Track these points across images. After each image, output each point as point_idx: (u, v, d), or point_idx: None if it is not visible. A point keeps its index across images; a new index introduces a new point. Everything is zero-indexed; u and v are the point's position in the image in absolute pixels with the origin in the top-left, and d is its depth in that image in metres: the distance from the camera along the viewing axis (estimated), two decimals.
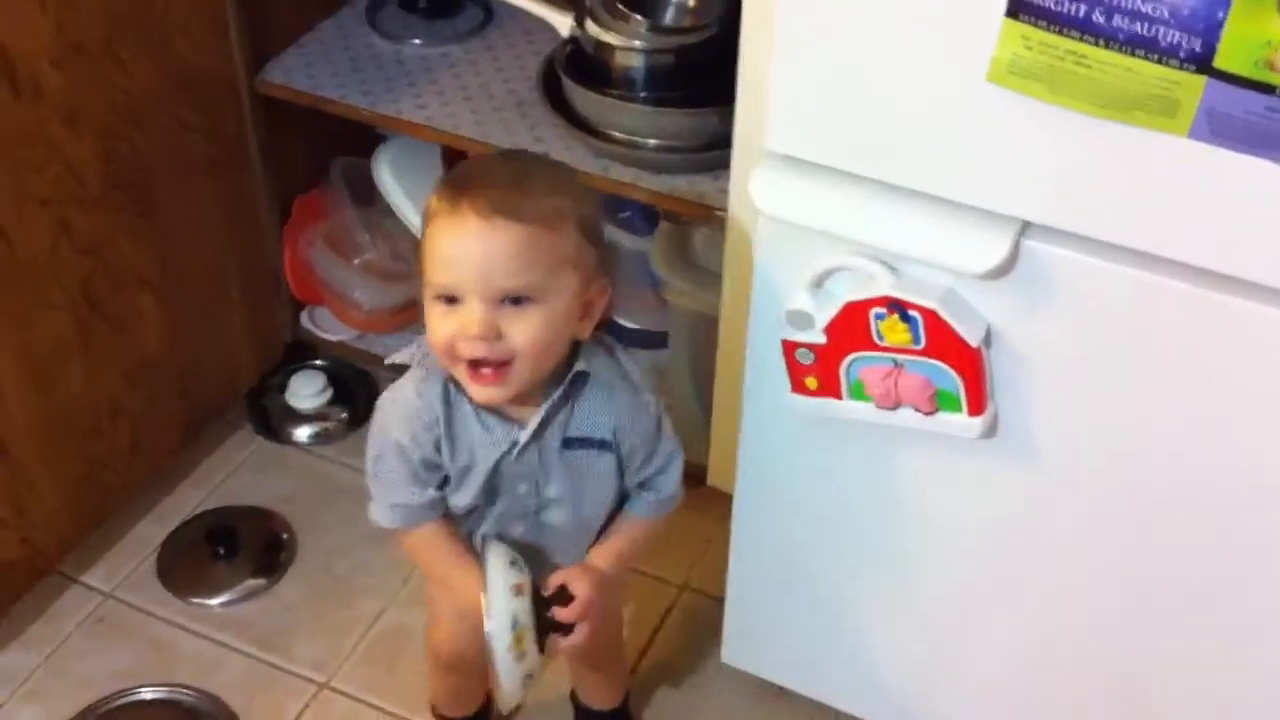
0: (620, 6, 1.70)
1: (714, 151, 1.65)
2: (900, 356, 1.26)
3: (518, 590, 1.25)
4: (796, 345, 1.30)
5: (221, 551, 1.89)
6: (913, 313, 1.21)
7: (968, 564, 1.43)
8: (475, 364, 1.18)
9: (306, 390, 2.07)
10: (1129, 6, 1.00)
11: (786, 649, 1.64)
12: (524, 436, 1.25)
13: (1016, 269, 1.19)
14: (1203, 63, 1.00)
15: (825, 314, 1.26)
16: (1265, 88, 0.99)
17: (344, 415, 2.09)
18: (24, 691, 1.75)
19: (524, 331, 1.17)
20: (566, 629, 1.29)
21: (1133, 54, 1.02)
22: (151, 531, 1.94)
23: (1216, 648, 1.35)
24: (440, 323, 1.18)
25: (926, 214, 1.19)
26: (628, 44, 1.68)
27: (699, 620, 1.83)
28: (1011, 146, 1.13)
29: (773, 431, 1.45)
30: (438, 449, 1.27)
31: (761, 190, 1.26)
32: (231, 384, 2.01)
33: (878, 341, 1.25)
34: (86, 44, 1.57)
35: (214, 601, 1.86)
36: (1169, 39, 1.00)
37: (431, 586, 1.50)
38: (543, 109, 1.78)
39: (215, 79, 1.78)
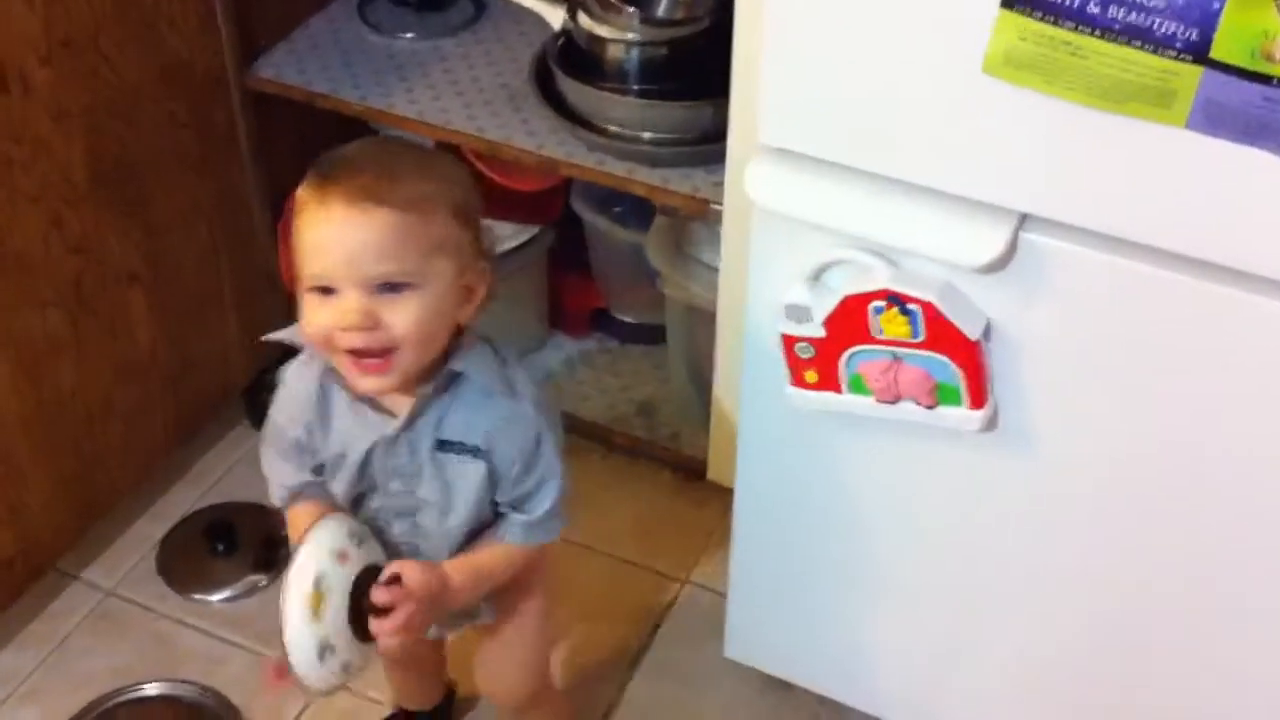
0: None
1: (708, 145, 1.64)
2: (900, 350, 1.25)
3: (340, 556, 1.20)
4: (796, 339, 1.29)
5: (221, 548, 1.89)
6: (911, 306, 1.20)
7: (968, 557, 1.42)
8: (357, 354, 1.15)
9: None
10: None
11: (789, 643, 1.63)
12: (393, 428, 1.22)
13: (1015, 261, 1.18)
14: (1199, 53, 0.99)
15: (824, 307, 1.25)
16: (1262, 78, 0.98)
17: None
18: (24, 691, 1.75)
19: (403, 318, 1.13)
20: (381, 613, 1.21)
21: (1129, 44, 1.01)
22: (150, 529, 1.93)
23: (1217, 640, 1.34)
24: (316, 313, 1.14)
25: (924, 207, 1.18)
26: (620, 36, 1.66)
27: (701, 614, 1.82)
28: (1008, 138, 1.11)
29: (772, 425, 1.44)
30: (309, 432, 1.26)
31: (757, 184, 1.25)
32: (225, 381, 2.00)
33: (877, 335, 1.24)
34: (75, 39, 1.56)
35: (214, 598, 1.85)
36: (1165, 29, 0.99)
37: None
38: (535, 102, 1.76)
39: (205, 74, 1.76)
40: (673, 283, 1.81)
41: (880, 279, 1.21)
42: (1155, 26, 0.99)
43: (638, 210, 1.93)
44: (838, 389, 1.32)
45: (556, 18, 1.73)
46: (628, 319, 2.10)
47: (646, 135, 1.68)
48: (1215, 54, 0.98)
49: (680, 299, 1.82)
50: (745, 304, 1.37)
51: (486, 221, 1.23)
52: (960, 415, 1.28)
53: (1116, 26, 1.00)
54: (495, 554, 1.29)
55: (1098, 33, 1.01)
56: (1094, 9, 1.00)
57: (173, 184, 1.76)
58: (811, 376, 1.32)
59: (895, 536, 1.45)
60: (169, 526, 1.93)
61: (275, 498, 1.31)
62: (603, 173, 1.70)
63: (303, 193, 1.15)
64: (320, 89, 1.81)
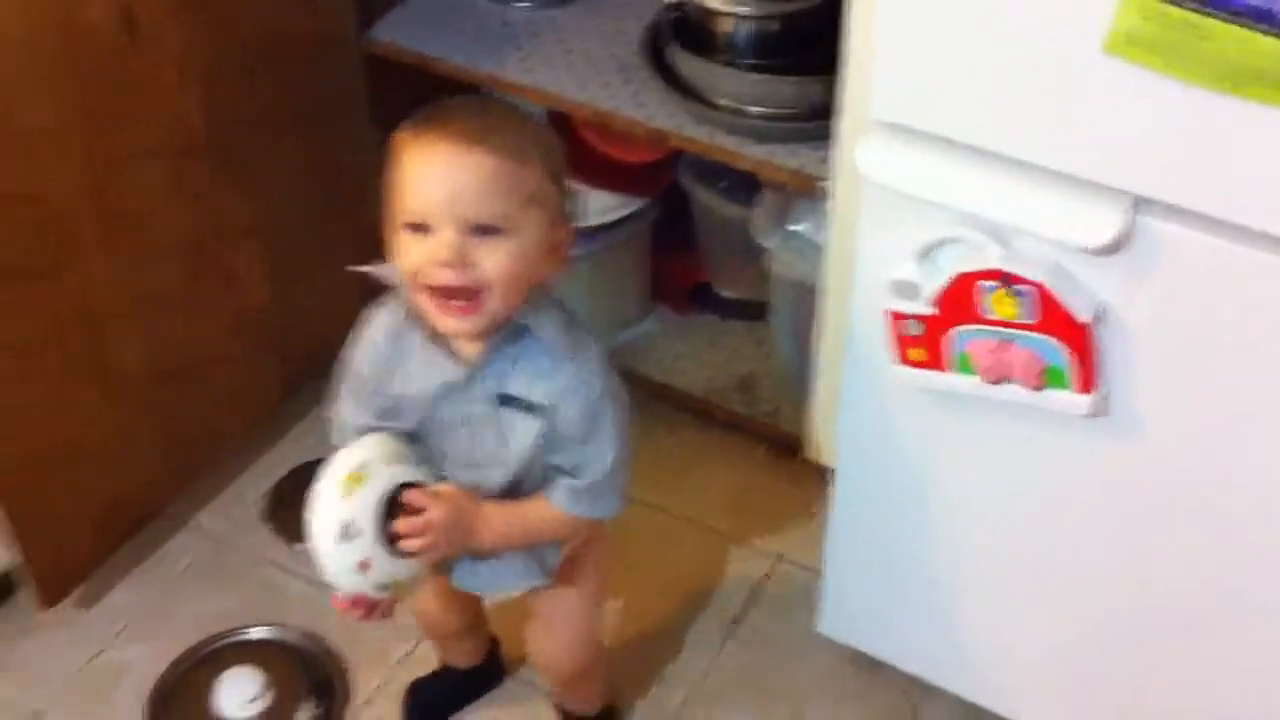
0: None
1: (817, 121, 1.63)
2: (1008, 330, 1.24)
3: (390, 457, 1.22)
4: (902, 316, 1.28)
5: None
6: (1022, 286, 1.19)
7: (1068, 541, 1.40)
8: (446, 294, 1.16)
9: None
10: None
11: (881, 622, 1.63)
12: (460, 374, 1.23)
13: (1129, 245, 1.16)
14: None
15: (933, 285, 1.24)
16: None
17: None
18: (132, 630, 1.81)
19: (494, 262, 1.15)
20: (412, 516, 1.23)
21: (1252, 28, 0.99)
22: (259, 479, 1.98)
23: None
24: (410, 250, 1.16)
25: (1038, 186, 1.17)
26: (733, 9, 1.66)
27: (793, 590, 1.83)
28: (1127, 119, 1.10)
29: (874, 404, 1.44)
30: (381, 374, 1.27)
31: (868, 159, 1.24)
32: (333, 338, 2.03)
33: (985, 315, 1.23)
34: None
35: None
36: None
37: None
38: (646, 73, 1.77)
39: (324, 36, 1.80)
40: (777, 258, 1.81)
41: (992, 258, 1.20)
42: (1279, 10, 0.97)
43: (744, 185, 1.93)
44: (943, 368, 1.31)
45: None
46: (730, 294, 2.10)
47: (755, 110, 1.68)
48: None
49: (784, 275, 1.82)
50: (852, 280, 1.37)
51: (575, 188, 1.25)
52: (1067, 399, 1.26)
53: (1240, 9, 0.98)
54: (541, 510, 1.29)
55: (1221, 15, 0.99)
56: None
57: (288, 143, 1.80)
58: (917, 354, 1.32)
59: (993, 519, 1.44)
60: (277, 477, 1.98)
61: (335, 438, 1.33)
62: (711, 146, 1.70)
63: (404, 134, 1.17)
64: (435, 54, 1.84)
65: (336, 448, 1.29)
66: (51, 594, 1.73)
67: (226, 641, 1.79)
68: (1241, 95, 1.02)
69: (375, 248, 1.95)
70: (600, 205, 1.93)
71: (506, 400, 1.25)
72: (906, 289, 1.27)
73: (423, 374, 1.26)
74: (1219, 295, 1.16)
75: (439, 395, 1.26)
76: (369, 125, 1.92)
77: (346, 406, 1.32)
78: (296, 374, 1.98)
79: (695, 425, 2.03)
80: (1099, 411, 1.27)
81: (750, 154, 1.67)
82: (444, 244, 1.14)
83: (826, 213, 1.62)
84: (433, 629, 1.62)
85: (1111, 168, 1.13)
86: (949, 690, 1.64)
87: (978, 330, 1.26)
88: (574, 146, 1.91)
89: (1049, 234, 1.17)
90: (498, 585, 1.41)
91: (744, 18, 1.66)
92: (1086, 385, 1.25)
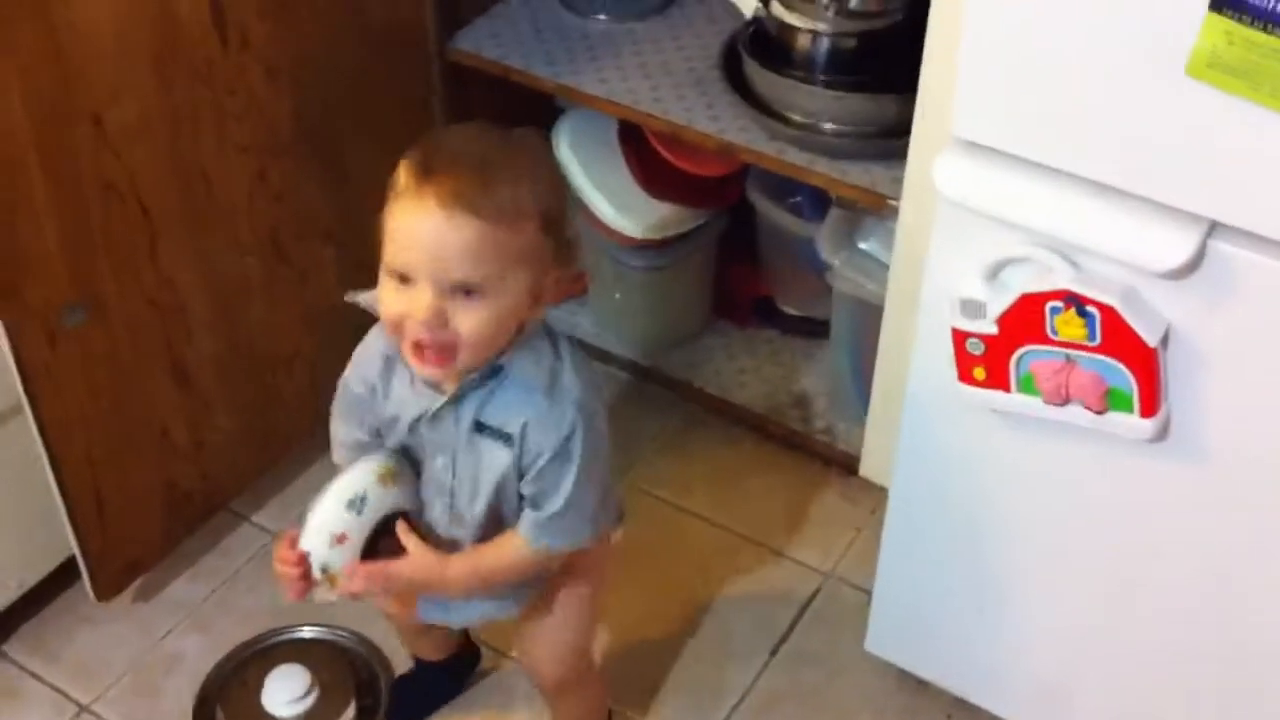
0: None
1: (889, 139, 1.65)
2: (1074, 352, 1.25)
3: (386, 477, 1.29)
4: (967, 335, 1.30)
5: None
6: (1090, 308, 1.20)
7: (1126, 569, 1.41)
8: (420, 345, 1.20)
9: None
10: None
11: (931, 642, 1.64)
12: (438, 404, 1.27)
13: (1201, 269, 1.17)
14: None
15: (999, 304, 1.26)
16: None
17: None
18: (192, 620, 1.83)
19: (470, 322, 1.18)
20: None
21: None
22: (321, 479, 1.99)
23: None
24: (392, 299, 1.19)
25: (1111, 208, 1.18)
26: (811, 26, 1.69)
27: (842, 608, 1.84)
28: (1205, 143, 1.11)
29: (935, 422, 1.45)
30: (372, 392, 1.32)
31: (945, 176, 1.26)
32: None
33: (1051, 335, 1.24)
34: None
35: None
36: None
37: None
38: (721, 88, 1.80)
39: (408, 42, 1.84)
40: (843, 276, 1.83)
41: (1061, 279, 1.21)
42: None
43: (811, 202, 1.95)
44: (1007, 388, 1.32)
45: (748, 5, 1.76)
46: (792, 310, 2.12)
47: (828, 126, 1.70)
48: None
49: (849, 292, 1.84)
50: (917, 298, 1.38)
51: (572, 229, 1.26)
52: (1130, 423, 1.27)
53: None
54: (503, 552, 1.32)
55: None
56: None
57: (369, 146, 1.83)
58: (980, 373, 1.33)
59: (1049, 542, 1.45)
60: None
61: (335, 456, 1.38)
62: (782, 161, 1.72)
63: (402, 178, 1.18)
64: (515, 64, 1.87)
65: (335, 464, 1.36)
66: (109, 587, 1.76)
67: (278, 639, 1.81)
68: None
69: None
70: (668, 218, 1.96)
71: (482, 428, 1.27)
72: (973, 308, 1.28)
73: (408, 399, 1.30)
74: None
75: (421, 421, 1.29)
76: None
77: (338, 426, 1.37)
78: None
79: (752, 440, 2.05)
80: (1161, 436, 1.28)
81: (822, 170, 1.69)
82: (422, 303, 1.17)
83: (893, 231, 1.63)
84: (399, 623, 1.64)
85: (1187, 191, 1.14)
86: (994, 713, 1.64)
87: (1043, 351, 1.27)
88: (645, 158, 1.94)
89: (1120, 256, 1.18)
90: (466, 618, 1.46)
91: (821, 34, 1.68)
92: (1150, 409, 1.26)
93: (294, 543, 1.29)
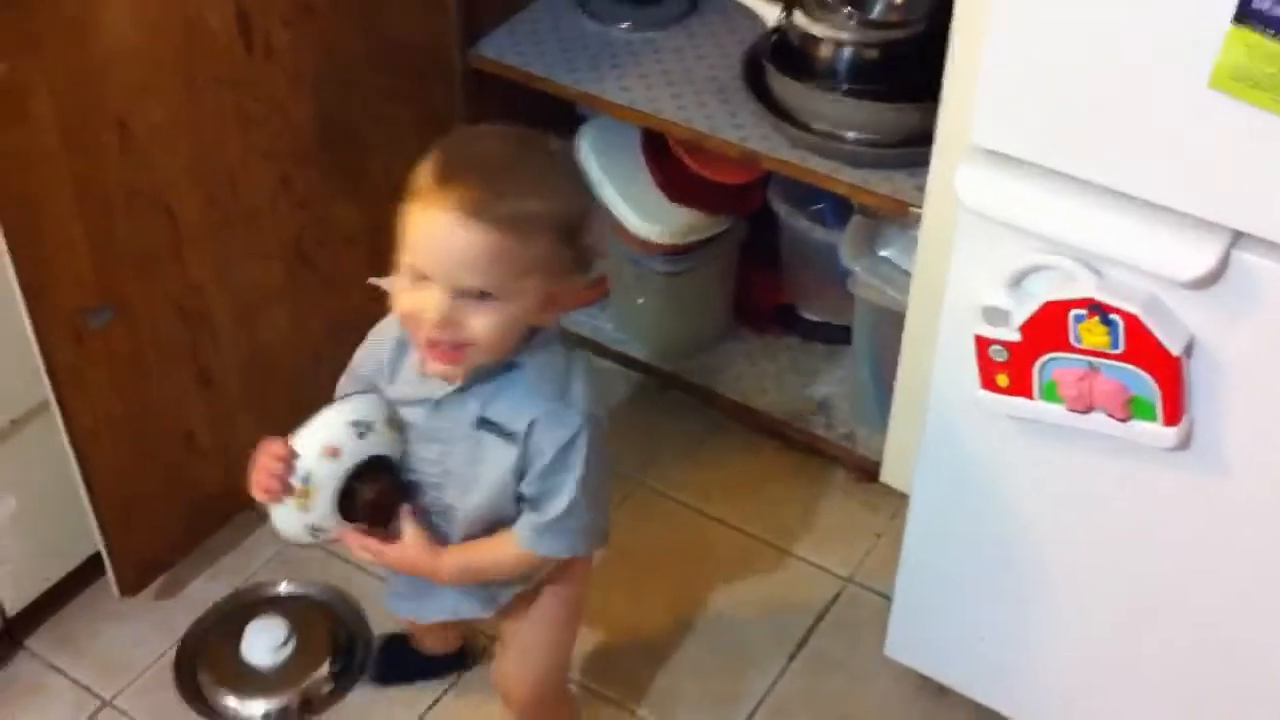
0: None
1: (911, 148, 1.65)
2: (1097, 360, 1.25)
3: (363, 428, 1.27)
4: (990, 342, 1.30)
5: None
6: (1114, 316, 1.21)
7: (1148, 577, 1.41)
8: (433, 342, 1.21)
9: None
10: None
11: (950, 647, 1.64)
12: (442, 393, 1.28)
13: (1224, 279, 1.17)
14: None
15: (1023, 312, 1.26)
16: None
17: None
18: None
19: (482, 325, 1.19)
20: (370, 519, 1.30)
21: None
22: None
23: None
24: (406, 295, 1.21)
25: (1135, 217, 1.18)
26: (834, 35, 1.69)
27: (862, 614, 1.84)
28: (1229, 154, 1.11)
29: (956, 428, 1.45)
30: (379, 373, 1.33)
31: (967, 184, 1.26)
32: None
33: (1075, 343, 1.25)
34: (316, 4, 1.65)
35: None
36: None
37: None
38: (743, 96, 1.80)
39: (431, 49, 1.85)
40: (863, 283, 1.83)
41: (1085, 287, 1.22)
42: None
43: (833, 210, 1.96)
44: (1029, 395, 1.32)
45: (771, 14, 1.76)
46: (813, 317, 2.12)
47: (851, 135, 1.70)
48: None
49: (870, 299, 1.84)
50: (941, 306, 1.39)
51: (595, 234, 1.25)
52: (1153, 431, 1.27)
53: None
54: (497, 551, 1.33)
55: None
56: None
57: (391, 153, 1.83)
58: (1003, 380, 1.33)
59: (1070, 550, 1.45)
60: None
61: None
62: (805, 169, 1.73)
63: (422, 179, 1.19)
64: (537, 71, 1.88)
65: None
66: (132, 584, 1.77)
67: (257, 595, 1.86)
68: None
69: None
70: (690, 224, 1.96)
71: (486, 424, 1.28)
72: (996, 315, 1.29)
73: (415, 385, 1.31)
74: None
75: (425, 408, 1.30)
76: None
77: (346, 389, 1.38)
78: None
79: (772, 446, 2.06)
80: (1184, 444, 1.28)
81: (844, 178, 1.70)
82: (434, 304, 1.18)
83: (915, 238, 1.64)
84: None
85: (1210, 202, 1.15)
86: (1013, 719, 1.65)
87: (1066, 358, 1.27)
88: (667, 165, 1.95)
89: (1144, 265, 1.19)
90: (431, 613, 1.46)
91: (844, 43, 1.69)
92: (1173, 417, 1.26)
93: (278, 444, 1.29)
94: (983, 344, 1.31)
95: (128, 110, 1.49)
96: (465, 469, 1.31)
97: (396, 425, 1.32)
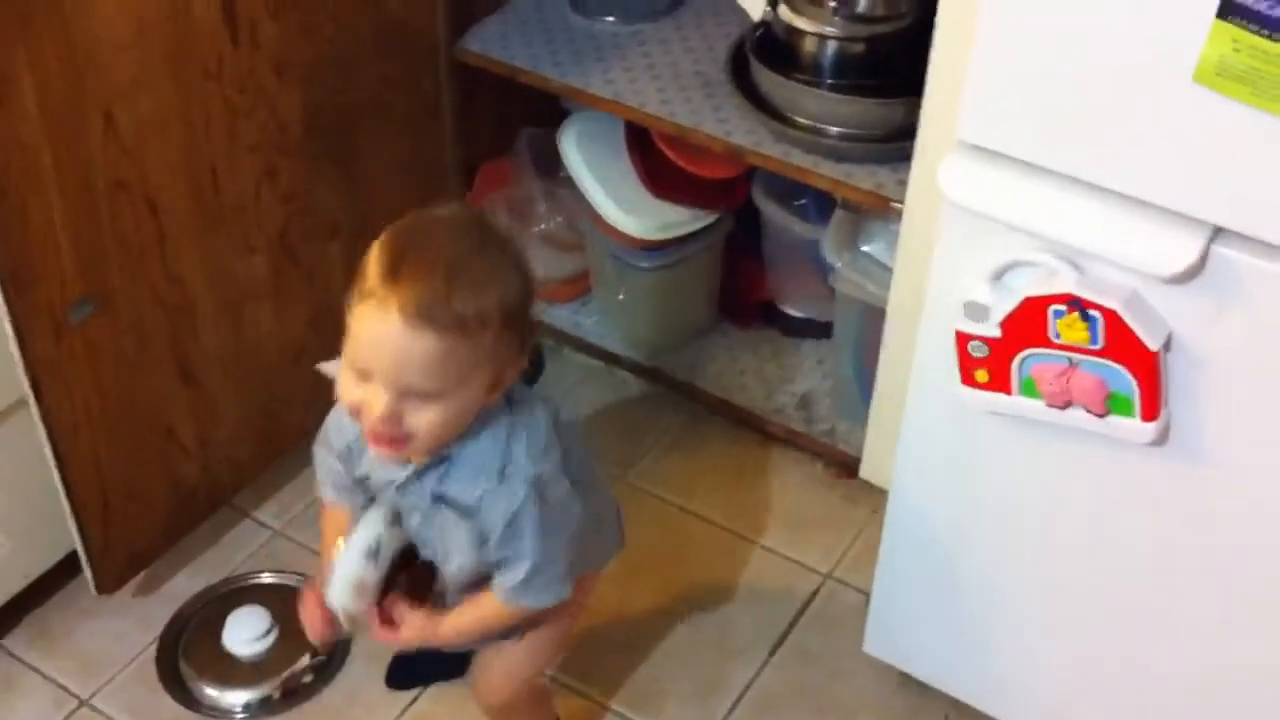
0: None
1: (895, 143, 1.66)
2: (1076, 356, 1.26)
3: (360, 587, 1.33)
4: (970, 337, 1.31)
5: None
6: (1093, 312, 1.21)
7: (1125, 572, 1.42)
8: (375, 434, 1.21)
9: None
10: None
11: (929, 644, 1.65)
12: (401, 477, 1.30)
13: (1204, 274, 1.18)
14: None
15: (1002, 308, 1.27)
16: None
17: None
18: None
19: (425, 421, 1.20)
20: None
21: None
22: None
23: None
24: (349, 388, 1.21)
25: (1116, 212, 1.19)
26: (819, 30, 1.70)
27: (841, 610, 1.85)
28: (1211, 149, 1.12)
29: (936, 424, 1.46)
30: (348, 452, 1.35)
31: (950, 179, 1.27)
32: None
33: (1054, 339, 1.25)
34: None
35: None
36: None
37: None
38: (728, 90, 1.81)
39: (418, 40, 1.85)
40: (845, 278, 1.84)
41: (1065, 283, 1.22)
42: None
43: (816, 205, 1.96)
44: (1008, 390, 1.33)
45: (756, 8, 1.77)
46: (795, 312, 2.13)
47: (834, 130, 1.71)
48: None
49: (851, 295, 1.85)
50: (923, 301, 1.39)
51: (537, 309, 1.26)
52: (1131, 426, 1.28)
53: None
54: (484, 611, 1.36)
55: None
56: None
57: (378, 144, 1.84)
58: (982, 376, 1.34)
59: (1049, 545, 1.46)
60: None
61: (321, 492, 1.42)
62: (788, 164, 1.73)
63: (370, 275, 1.18)
64: (522, 65, 1.89)
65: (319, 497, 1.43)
66: (111, 581, 1.77)
67: (240, 584, 1.86)
68: None
69: None
70: (673, 219, 1.97)
71: (442, 499, 1.30)
72: (976, 311, 1.29)
73: (378, 465, 1.33)
74: None
75: (392, 487, 1.32)
76: (455, 131, 1.97)
77: (329, 464, 1.39)
78: None
79: (754, 440, 2.06)
80: (1161, 439, 1.29)
81: (827, 173, 1.70)
82: (378, 403, 1.18)
83: (897, 234, 1.64)
84: None
85: (1191, 197, 1.15)
86: (992, 716, 1.65)
87: (1045, 354, 1.28)
88: (651, 159, 1.95)
89: (1125, 260, 1.20)
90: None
91: (828, 38, 1.69)
92: (1151, 413, 1.27)
93: (319, 599, 1.35)
94: (963, 339, 1.32)
95: (113, 101, 1.48)
96: (438, 539, 1.33)
97: (397, 516, 1.34)
